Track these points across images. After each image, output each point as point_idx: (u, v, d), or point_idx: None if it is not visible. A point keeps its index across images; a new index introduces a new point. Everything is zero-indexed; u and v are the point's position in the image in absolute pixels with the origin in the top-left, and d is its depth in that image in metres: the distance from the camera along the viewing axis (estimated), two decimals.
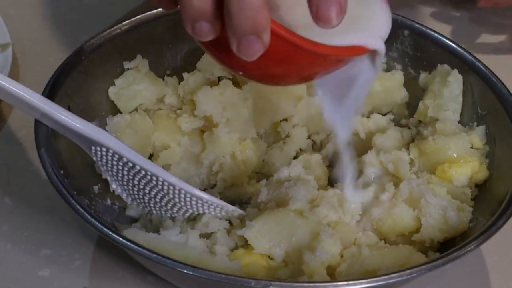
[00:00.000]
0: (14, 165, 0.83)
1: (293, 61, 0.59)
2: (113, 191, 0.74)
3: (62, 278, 0.74)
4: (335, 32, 0.56)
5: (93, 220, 0.65)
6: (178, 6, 0.56)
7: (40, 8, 1.01)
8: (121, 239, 0.64)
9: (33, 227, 0.78)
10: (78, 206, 0.66)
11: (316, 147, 0.85)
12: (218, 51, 0.59)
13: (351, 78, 0.66)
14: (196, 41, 0.58)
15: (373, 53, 0.63)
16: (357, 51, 0.61)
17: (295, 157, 0.81)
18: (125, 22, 0.80)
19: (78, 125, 0.69)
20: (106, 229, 0.65)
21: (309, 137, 0.83)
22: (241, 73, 0.62)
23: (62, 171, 0.69)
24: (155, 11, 0.81)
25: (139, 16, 0.80)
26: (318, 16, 0.55)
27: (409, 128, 0.83)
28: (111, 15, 0.96)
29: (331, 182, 0.81)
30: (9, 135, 0.86)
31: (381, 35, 0.63)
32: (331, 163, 0.83)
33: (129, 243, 0.64)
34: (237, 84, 0.80)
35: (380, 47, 0.62)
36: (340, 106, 0.68)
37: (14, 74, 0.90)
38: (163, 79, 0.82)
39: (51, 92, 0.73)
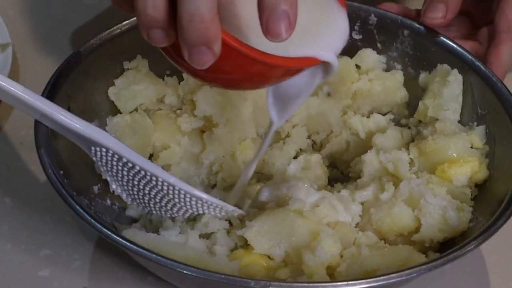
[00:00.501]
0: (14, 165, 0.83)
1: (245, 70, 0.60)
2: (113, 191, 0.74)
3: (62, 278, 0.74)
4: (289, 42, 0.57)
5: (93, 221, 0.65)
6: None
7: (40, 8, 1.01)
8: (120, 239, 0.64)
9: (33, 227, 0.78)
10: (77, 207, 0.66)
11: (316, 147, 0.85)
12: (175, 55, 0.60)
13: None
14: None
15: (325, 64, 0.64)
16: (309, 62, 0.62)
17: (295, 157, 0.81)
18: (125, 22, 0.80)
19: (78, 125, 0.69)
20: (105, 230, 0.65)
21: (309, 137, 0.83)
22: (196, 78, 0.63)
23: (61, 172, 0.69)
24: None
25: None
26: (267, 31, 0.55)
27: (409, 128, 0.83)
28: (111, 15, 0.96)
29: (331, 182, 0.81)
30: (9, 135, 0.86)
31: (335, 48, 0.64)
32: (331, 163, 0.84)
33: (128, 244, 0.64)
34: None
35: (332, 59, 0.63)
36: (280, 100, 0.69)
37: (14, 74, 0.90)
38: (163, 79, 0.82)
39: (51, 92, 0.72)
